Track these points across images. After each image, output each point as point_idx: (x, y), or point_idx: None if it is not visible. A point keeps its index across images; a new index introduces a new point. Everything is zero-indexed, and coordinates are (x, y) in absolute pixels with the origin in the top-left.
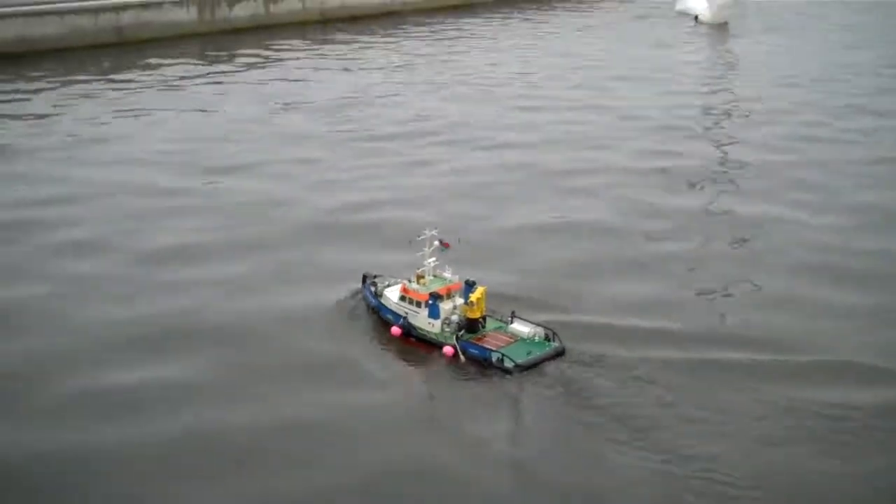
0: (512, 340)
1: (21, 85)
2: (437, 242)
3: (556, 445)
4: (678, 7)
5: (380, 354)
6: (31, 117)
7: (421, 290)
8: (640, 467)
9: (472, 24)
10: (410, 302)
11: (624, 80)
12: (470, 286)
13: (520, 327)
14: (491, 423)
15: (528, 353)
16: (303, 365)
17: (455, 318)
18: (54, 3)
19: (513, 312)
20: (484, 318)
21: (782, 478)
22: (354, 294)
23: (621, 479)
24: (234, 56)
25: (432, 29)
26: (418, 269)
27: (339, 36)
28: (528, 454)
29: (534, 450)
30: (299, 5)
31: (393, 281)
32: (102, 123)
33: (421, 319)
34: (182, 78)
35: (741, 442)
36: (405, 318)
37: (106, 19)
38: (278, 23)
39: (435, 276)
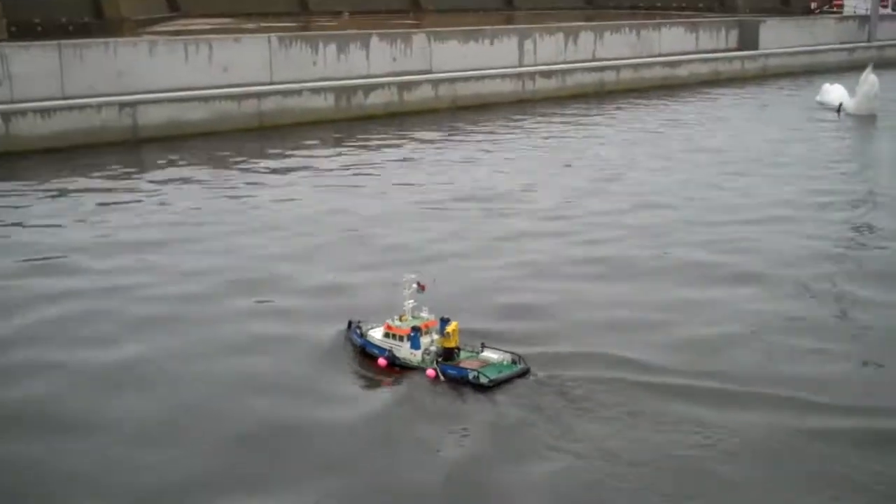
0: (484, 364)
1: (173, 168)
2: (414, 285)
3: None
4: (819, 98)
5: (369, 376)
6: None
7: (403, 326)
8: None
9: (603, 111)
10: (394, 337)
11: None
12: (445, 322)
13: (490, 354)
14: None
15: (499, 372)
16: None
17: (433, 348)
18: (201, 89)
19: (482, 343)
20: (458, 348)
21: None
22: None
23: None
24: (368, 140)
25: (563, 118)
26: (401, 312)
27: (470, 122)
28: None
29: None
30: (432, 93)
31: (376, 325)
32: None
33: (404, 351)
34: (320, 160)
35: None
36: (390, 350)
37: (249, 105)
38: (411, 110)
39: (413, 316)
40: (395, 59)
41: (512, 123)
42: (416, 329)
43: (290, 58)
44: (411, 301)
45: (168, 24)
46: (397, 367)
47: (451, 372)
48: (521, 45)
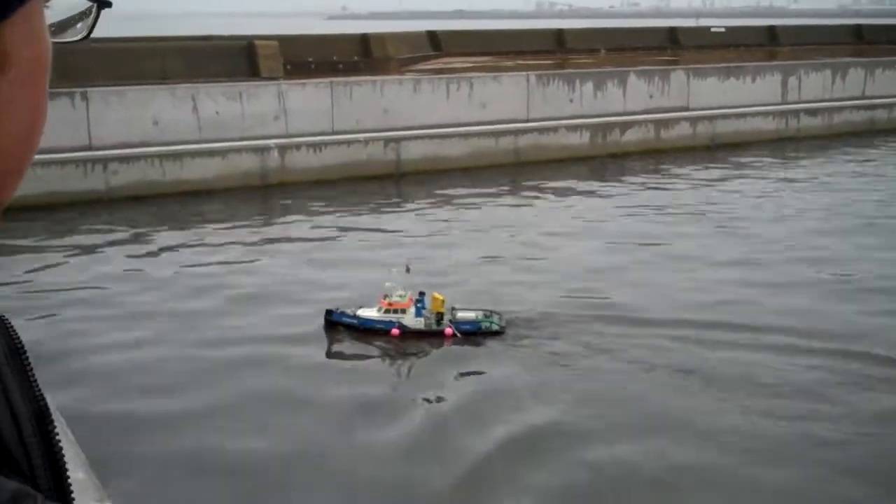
0: (474, 318)
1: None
2: (403, 267)
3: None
4: None
5: (398, 345)
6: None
7: (402, 300)
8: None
9: (887, 146)
10: (396, 311)
11: None
12: (422, 294)
13: (466, 314)
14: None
15: (496, 321)
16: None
17: (431, 315)
18: (459, 126)
19: (453, 307)
20: (442, 313)
21: None
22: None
23: None
24: (624, 176)
25: (828, 157)
26: (384, 294)
27: (730, 161)
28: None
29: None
30: (690, 131)
31: (358, 308)
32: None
33: (409, 320)
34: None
35: None
36: (399, 321)
37: (506, 142)
38: (667, 147)
39: (398, 295)
40: (651, 97)
41: (778, 162)
42: (419, 298)
43: (547, 95)
44: (389, 283)
45: (430, 62)
46: (407, 335)
47: (465, 327)
48: (784, 82)
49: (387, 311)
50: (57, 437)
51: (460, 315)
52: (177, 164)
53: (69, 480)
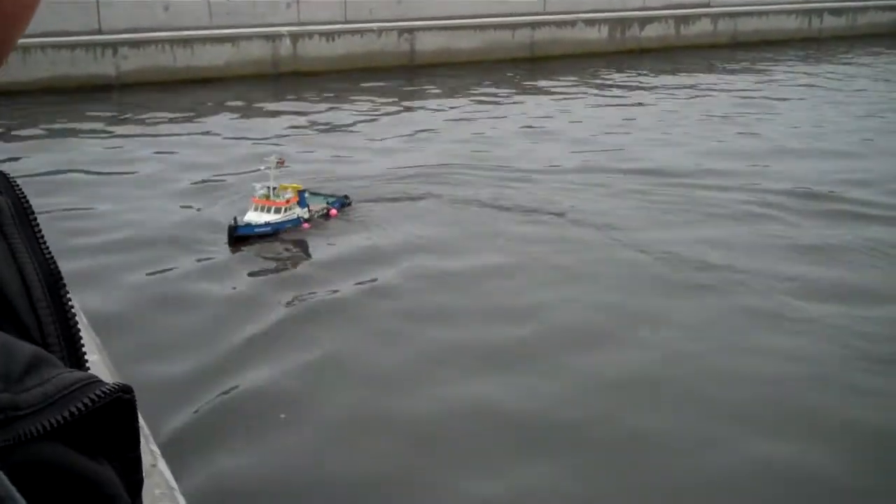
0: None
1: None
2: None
3: None
4: None
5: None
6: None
7: (279, 199)
8: None
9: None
10: (287, 209)
11: None
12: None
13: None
14: None
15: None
16: None
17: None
18: (474, 17)
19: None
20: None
21: None
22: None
23: None
24: (641, 76)
25: (857, 57)
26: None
27: (750, 60)
28: None
29: None
30: (710, 27)
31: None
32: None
33: (304, 212)
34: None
35: None
36: (300, 217)
37: (522, 35)
38: (686, 45)
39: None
40: None
41: (800, 63)
42: (301, 191)
43: None
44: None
45: None
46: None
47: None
48: None
49: (278, 211)
50: (70, 303)
51: (313, 200)
52: (187, 50)
53: (84, 349)
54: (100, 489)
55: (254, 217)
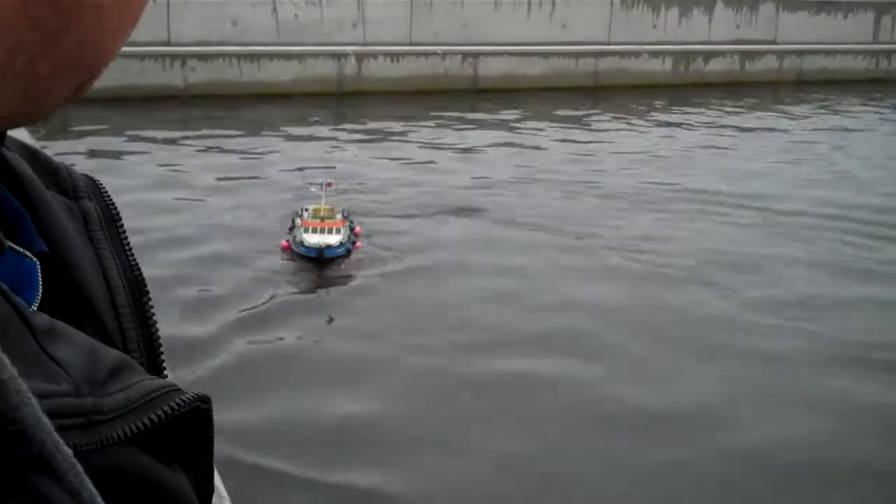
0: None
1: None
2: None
3: None
4: None
5: None
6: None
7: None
8: None
9: None
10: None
11: None
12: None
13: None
14: None
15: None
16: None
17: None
18: (539, 44)
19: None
20: None
21: None
22: None
23: None
24: (707, 107)
25: None
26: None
27: (814, 99)
28: None
29: None
30: (776, 65)
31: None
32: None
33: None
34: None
35: None
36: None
37: (585, 64)
38: (751, 80)
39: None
40: (738, 27)
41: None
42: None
43: (630, 19)
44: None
45: None
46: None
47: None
48: (877, 20)
49: (338, 231)
50: (152, 311)
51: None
52: (254, 65)
53: (163, 358)
54: (173, 497)
55: (321, 239)
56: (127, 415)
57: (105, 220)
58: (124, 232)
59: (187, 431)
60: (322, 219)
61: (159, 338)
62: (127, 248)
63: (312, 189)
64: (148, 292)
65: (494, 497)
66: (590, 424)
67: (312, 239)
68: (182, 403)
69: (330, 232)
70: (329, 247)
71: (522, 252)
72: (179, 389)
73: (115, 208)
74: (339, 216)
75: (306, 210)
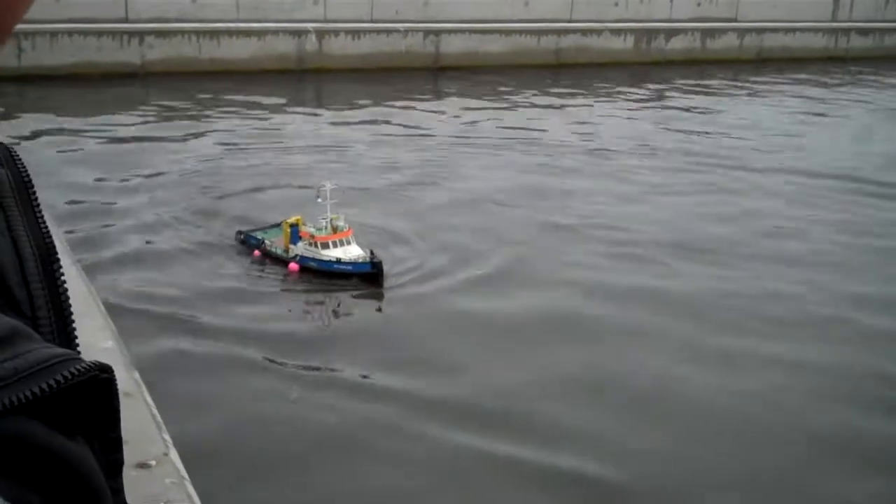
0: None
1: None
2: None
3: None
4: None
5: None
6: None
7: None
8: None
9: None
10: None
11: None
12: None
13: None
14: None
15: None
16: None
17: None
18: (501, 22)
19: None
20: None
21: None
22: None
23: None
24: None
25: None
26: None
27: (776, 76)
28: None
29: None
30: (736, 42)
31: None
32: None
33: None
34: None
35: None
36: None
37: (547, 41)
38: (712, 59)
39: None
40: (699, 5)
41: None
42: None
43: None
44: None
45: None
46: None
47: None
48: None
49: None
50: (62, 279)
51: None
52: (213, 42)
53: (74, 326)
54: (73, 467)
55: (346, 253)
56: (14, 384)
57: (17, 187)
58: (36, 200)
59: (89, 402)
60: (335, 229)
61: (70, 306)
62: (39, 215)
63: (319, 200)
64: (58, 260)
65: None
66: None
67: (337, 253)
68: (77, 372)
69: (349, 243)
70: (362, 258)
71: None
72: (77, 359)
73: (28, 175)
74: (345, 224)
75: (310, 224)
